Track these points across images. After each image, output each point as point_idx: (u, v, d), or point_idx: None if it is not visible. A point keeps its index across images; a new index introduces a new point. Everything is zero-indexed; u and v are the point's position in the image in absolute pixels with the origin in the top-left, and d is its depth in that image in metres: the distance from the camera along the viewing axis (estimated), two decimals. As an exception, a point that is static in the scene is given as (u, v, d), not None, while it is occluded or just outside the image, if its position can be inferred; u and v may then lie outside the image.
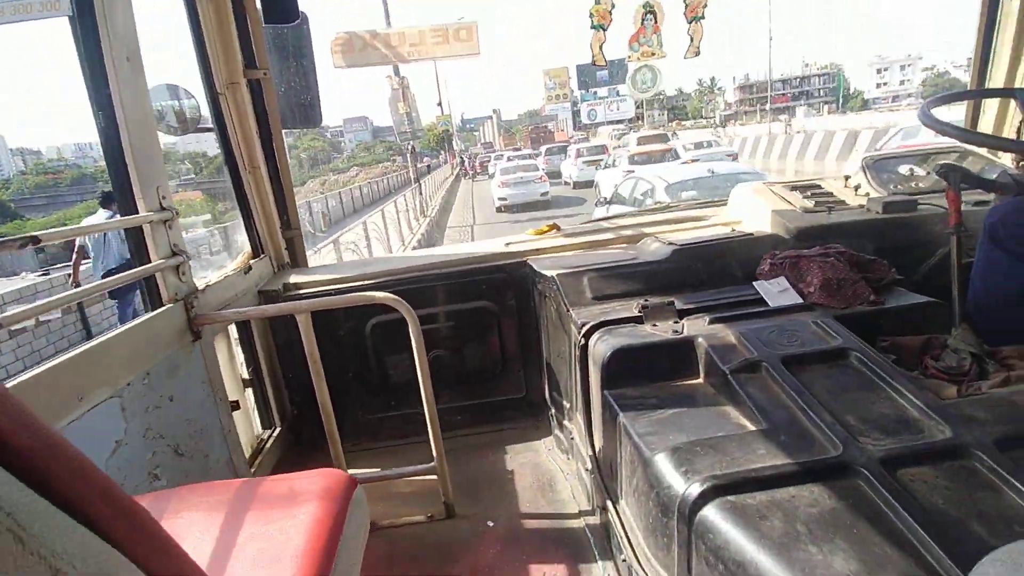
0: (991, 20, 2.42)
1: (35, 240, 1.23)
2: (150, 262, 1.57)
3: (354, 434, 2.30)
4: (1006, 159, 2.20)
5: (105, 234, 6.02)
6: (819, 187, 2.30)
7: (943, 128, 1.61)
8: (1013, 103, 2.34)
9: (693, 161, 12.60)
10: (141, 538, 0.56)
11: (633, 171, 12.81)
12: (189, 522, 1.09)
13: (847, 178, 2.32)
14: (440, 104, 34.06)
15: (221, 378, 1.82)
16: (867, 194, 2.15)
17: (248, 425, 2.09)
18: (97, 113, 1.48)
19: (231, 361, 2.05)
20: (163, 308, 1.59)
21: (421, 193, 18.44)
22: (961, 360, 1.26)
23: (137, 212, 1.54)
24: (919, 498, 0.90)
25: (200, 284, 1.78)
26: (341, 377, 2.26)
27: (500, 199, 19.19)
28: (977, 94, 2.51)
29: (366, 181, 36.36)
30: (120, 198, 1.55)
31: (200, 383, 1.69)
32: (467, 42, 4.40)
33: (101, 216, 6.01)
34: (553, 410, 2.17)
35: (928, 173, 2.23)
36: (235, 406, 1.89)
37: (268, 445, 2.13)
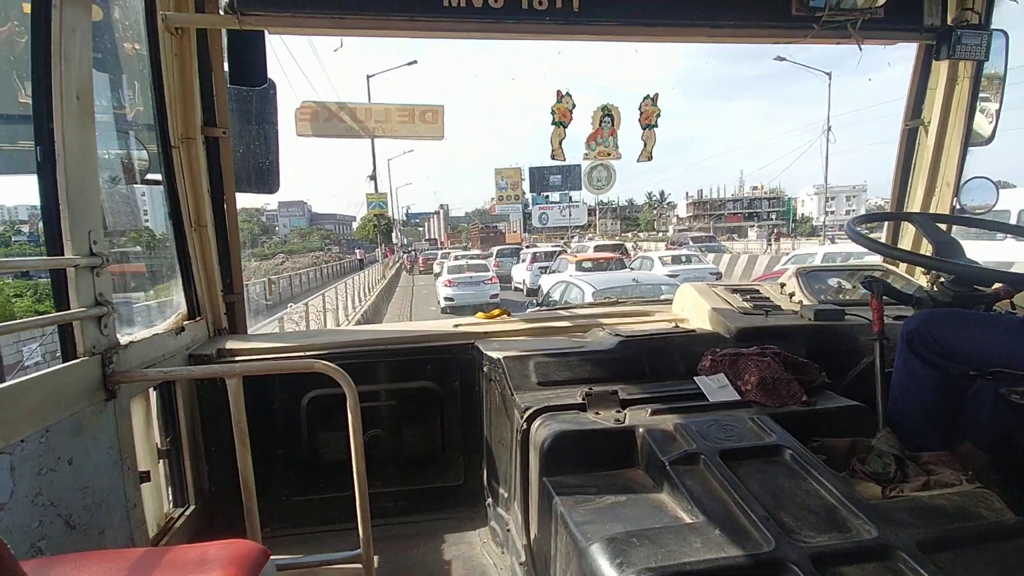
0: (909, 152, 2.87)
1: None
2: (68, 309, 1.53)
3: (275, 517, 2.20)
4: (922, 280, 2.54)
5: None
6: (757, 291, 2.59)
7: (867, 243, 1.92)
8: None
9: (672, 275, 13.55)
10: None
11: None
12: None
13: (782, 285, 2.62)
14: (373, 178, 25.03)
15: (133, 444, 1.73)
16: (800, 301, 2.42)
17: (157, 500, 1.97)
18: (36, 147, 1.49)
19: (147, 427, 1.95)
20: (76, 361, 1.53)
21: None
22: (886, 464, 1.42)
23: (63, 254, 1.52)
24: None
25: (124, 340, 1.73)
26: (269, 453, 2.22)
27: (446, 299, 18.97)
28: (896, 216, 2.94)
29: (288, 273, 34.12)
30: (47, 238, 1.53)
31: (107, 448, 1.60)
32: (432, 124, 4.70)
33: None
34: (491, 499, 2.20)
35: (854, 287, 2.59)
36: (144, 477, 1.79)
37: (178, 524, 2.00)
